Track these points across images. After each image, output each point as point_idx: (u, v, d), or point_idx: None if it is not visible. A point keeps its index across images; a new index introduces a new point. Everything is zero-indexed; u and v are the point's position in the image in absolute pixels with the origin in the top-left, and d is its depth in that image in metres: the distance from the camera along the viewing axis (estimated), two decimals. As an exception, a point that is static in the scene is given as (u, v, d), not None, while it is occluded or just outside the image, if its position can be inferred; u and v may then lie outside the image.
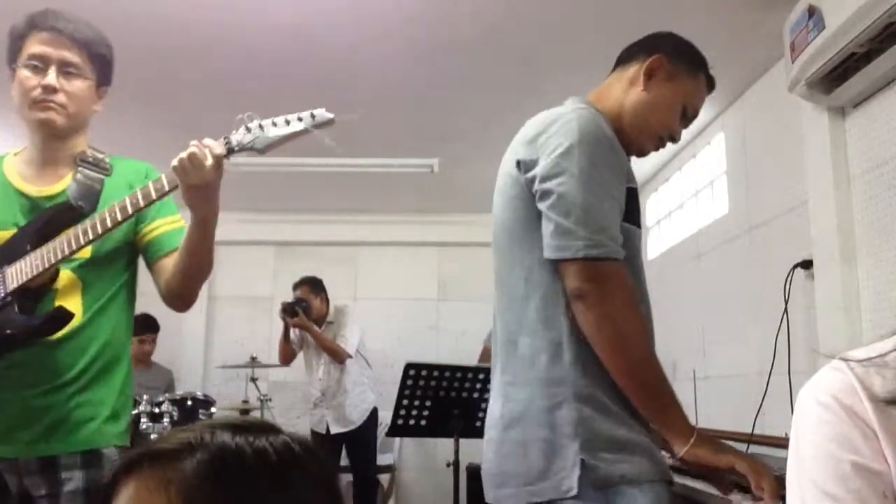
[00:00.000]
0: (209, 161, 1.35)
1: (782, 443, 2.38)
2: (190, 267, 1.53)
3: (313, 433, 4.64)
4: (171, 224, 1.63)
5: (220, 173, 1.38)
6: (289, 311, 4.50)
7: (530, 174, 1.32)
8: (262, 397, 4.88)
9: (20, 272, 1.46)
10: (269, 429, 0.60)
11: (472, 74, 3.30)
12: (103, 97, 1.65)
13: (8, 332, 1.44)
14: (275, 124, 1.33)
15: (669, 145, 1.54)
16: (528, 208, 1.34)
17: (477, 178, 4.13)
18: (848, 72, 2.35)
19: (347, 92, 3.45)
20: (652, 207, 4.87)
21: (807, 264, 2.76)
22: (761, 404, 2.78)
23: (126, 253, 1.62)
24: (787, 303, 2.77)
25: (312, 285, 4.70)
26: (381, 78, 3.32)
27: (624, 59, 1.55)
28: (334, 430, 4.56)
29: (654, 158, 4.40)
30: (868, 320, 2.43)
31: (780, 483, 0.99)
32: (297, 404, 5.68)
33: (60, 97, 1.51)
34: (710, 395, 3.73)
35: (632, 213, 1.35)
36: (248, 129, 1.34)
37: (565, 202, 1.26)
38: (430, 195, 5.29)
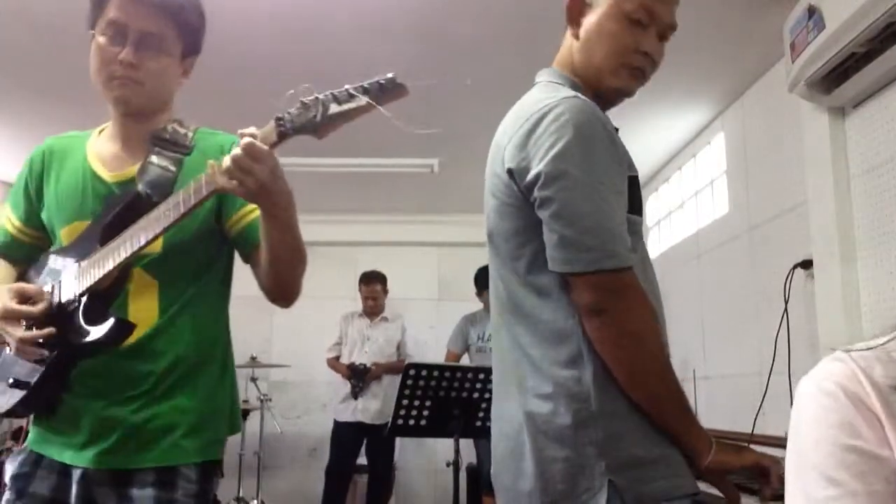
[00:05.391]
0: (260, 163, 1.15)
1: (782, 443, 2.37)
2: (275, 260, 1.33)
3: (339, 424, 4.74)
4: (257, 211, 1.36)
5: (274, 165, 1.17)
6: (357, 384, 4.75)
7: (526, 181, 1.21)
8: (262, 397, 4.89)
9: (88, 274, 1.32)
10: None
11: (472, 74, 3.29)
12: (190, 69, 1.45)
13: (71, 343, 1.30)
14: (336, 98, 1.11)
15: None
16: (527, 217, 1.23)
17: (477, 178, 4.08)
18: (848, 72, 2.35)
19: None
20: (652, 207, 4.87)
21: (807, 264, 2.76)
22: (761, 404, 2.78)
23: (207, 245, 1.41)
24: (787, 303, 2.76)
25: (383, 282, 5.01)
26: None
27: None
28: (371, 421, 4.67)
29: (654, 158, 4.40)
30: (868, 320, 2.43)
31: None
32: (297, 404, 5.68)
33: (138, 74, 1.34)
34: (710, 395, 3.73)
35: (634, 202, 1.25)
36: (305, 106, 1.12)
37: (569, 210, 1.15)
38: (430, 195, 5.29)
